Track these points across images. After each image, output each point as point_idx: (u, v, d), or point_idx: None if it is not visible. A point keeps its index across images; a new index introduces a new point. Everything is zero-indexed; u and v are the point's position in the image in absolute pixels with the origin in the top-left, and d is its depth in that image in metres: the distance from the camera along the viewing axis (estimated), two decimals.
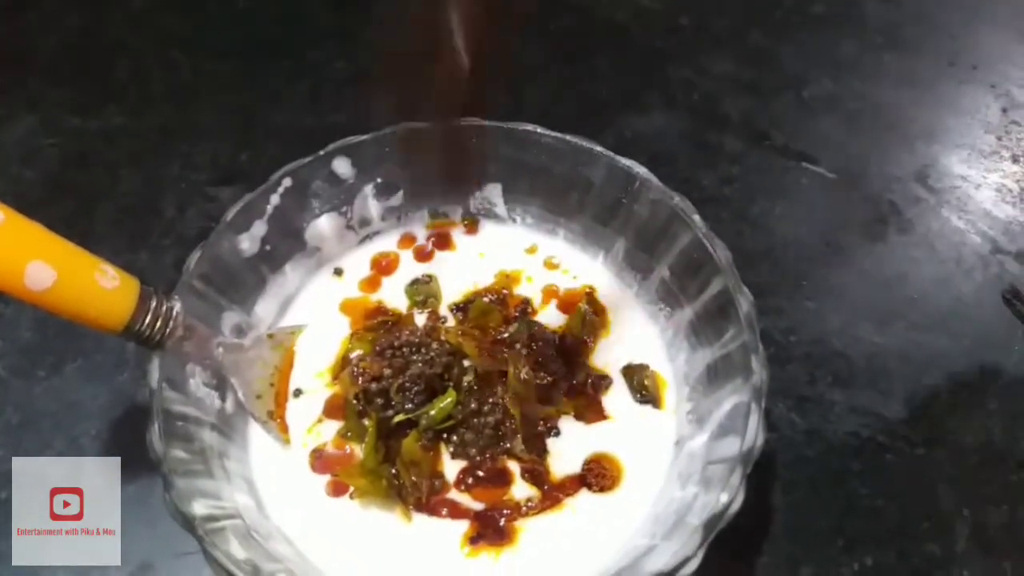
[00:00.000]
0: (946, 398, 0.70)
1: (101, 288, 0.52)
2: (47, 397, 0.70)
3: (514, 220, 0.72)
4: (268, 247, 0.64)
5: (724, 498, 0.49)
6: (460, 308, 0.68)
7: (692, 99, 0.93)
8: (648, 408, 0.63)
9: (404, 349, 0.62)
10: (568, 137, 0.65)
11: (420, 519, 0.57)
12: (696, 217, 0.61)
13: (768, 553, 0.62)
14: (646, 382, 0.63)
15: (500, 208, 0.71)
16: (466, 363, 0.61)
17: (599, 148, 0.65)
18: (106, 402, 0.70)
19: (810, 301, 0.76)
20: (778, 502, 0.64)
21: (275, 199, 0.64)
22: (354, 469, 0.58)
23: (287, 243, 0.66)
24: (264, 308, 0.66)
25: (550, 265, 0.71)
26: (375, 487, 0.57)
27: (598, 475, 0.59)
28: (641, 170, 0.64)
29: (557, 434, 0.61)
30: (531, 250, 0.71)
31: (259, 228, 0.64)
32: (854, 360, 0.72)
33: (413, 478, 0.57)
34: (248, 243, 0.63)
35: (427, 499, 0.58)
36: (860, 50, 0.99)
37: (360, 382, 0.61)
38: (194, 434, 0.55)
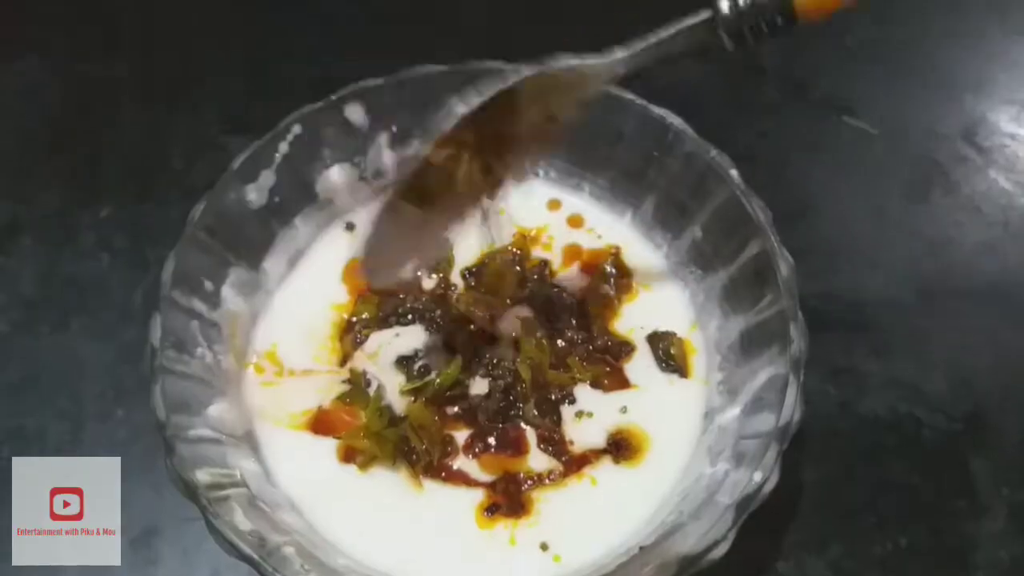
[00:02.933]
0: (988, 372, 0.67)
1: None
2: (50, 353, 0.68)
3: (537, 174, 0.68)
4: (277, 199, 0.61)
5: (758, 477, 0.46)
6: (473, 272, 0.65)
7: None
8: (675, 377, 0.59)
9: (409, 316, 0.59)
10: None
11: (433, 490, 0.55)
12: (734, 172, 0.57)
13: (796, 530, 0.60)
14: (672, 350, 0.60)
15: None
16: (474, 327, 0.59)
17: (630, 96, 0.60)
18: (111, 359, 0.68)
19: (848, 266, 0.72)
20: (809, 477, 0.62)
21: (284, 147, 0.60)
22: (358, 431, 0.56)
23: (297, 195, 0.63)
24: (273, 264, 0.63)
25: (574, 222, 0.67)
26: (382, 450, 0.55)
27: (621, 446, 0.56)
28: (675, 120, 0.59)
29: (572, 402, 0.58)
30: (553, 205, 0.68)
31: (267, 178, 0.60)
32: (893, 329, 0.69)
33: (424, 444, 0.55)
34: (256, 194, 0.60)
35: (437, 462, 0.55)
36: None
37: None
38: (199, 397, 0.53)
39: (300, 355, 0.61)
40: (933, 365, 0.67)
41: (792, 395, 0.48)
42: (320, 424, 0.58)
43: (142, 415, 0.59)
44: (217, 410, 0.53)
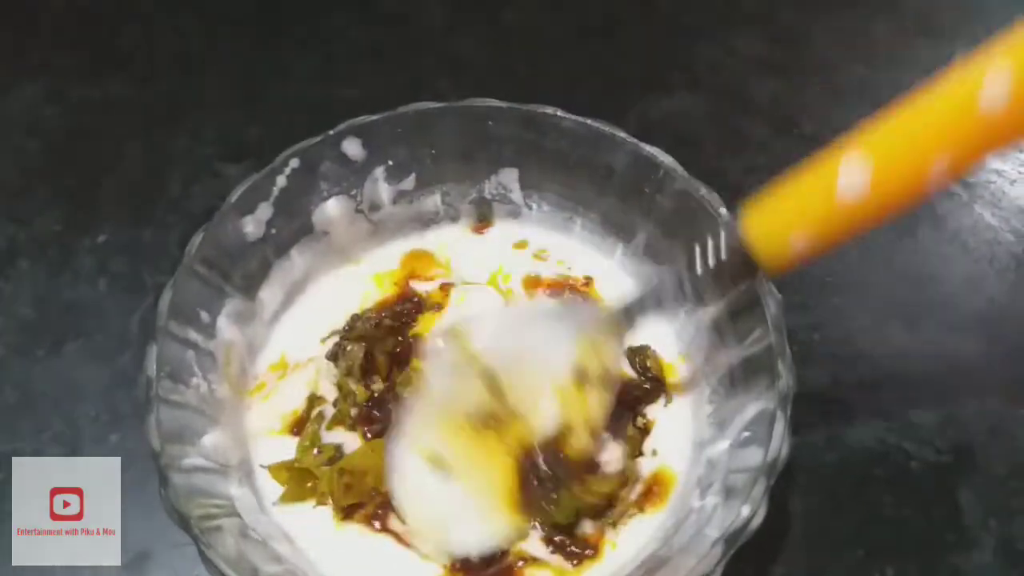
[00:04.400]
0: (975, 405, 0.68)
1: None
2: (46, 377, 0.69)
3: (530, 208, 0.69)
4: (274, 230, 0.62)
5: (746, 511, 0.47)
6: None
7: (719, 81, 0.89)
8: (667, 409, 0.60)
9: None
10: (589, 121, 0.62)
11: None
12: (723, 211, 0.58)
13: (784, 562, 0.60)
14: (648, 363, 0.61)
15: (516, 194, 0.68)
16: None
17: (622, 134, 0.61)
18: (107, 384, 0.68)
19: (836, 299, 0.73)
20: (796, 508, 0.62)
21: (282, 180, 0.61)
22: (283, 464, 0.56)
23: (294, 227, 0.63)
24: (269, 294, 0.63)
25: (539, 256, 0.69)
26: (298, 490, 0.55)
27: (651, 495, 0.57)
28: (666, 159, 0.60)
29: None
30: (520, 244, 0.69)
31: (264, 211, 0.61)
32: (880, 362, 0.69)
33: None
34: (253, 226, 0.60)
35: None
36: (893, 35, 0.95)
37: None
38: (194, 427, 0.53)
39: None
40: (920, 398, 0.67)
41: (780, 430, 0.49)
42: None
43: (136, 440, 0.59)
44: (211, 440, 0.53)
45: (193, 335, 0.56)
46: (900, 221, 0.79)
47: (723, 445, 0.54)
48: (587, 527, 0.54)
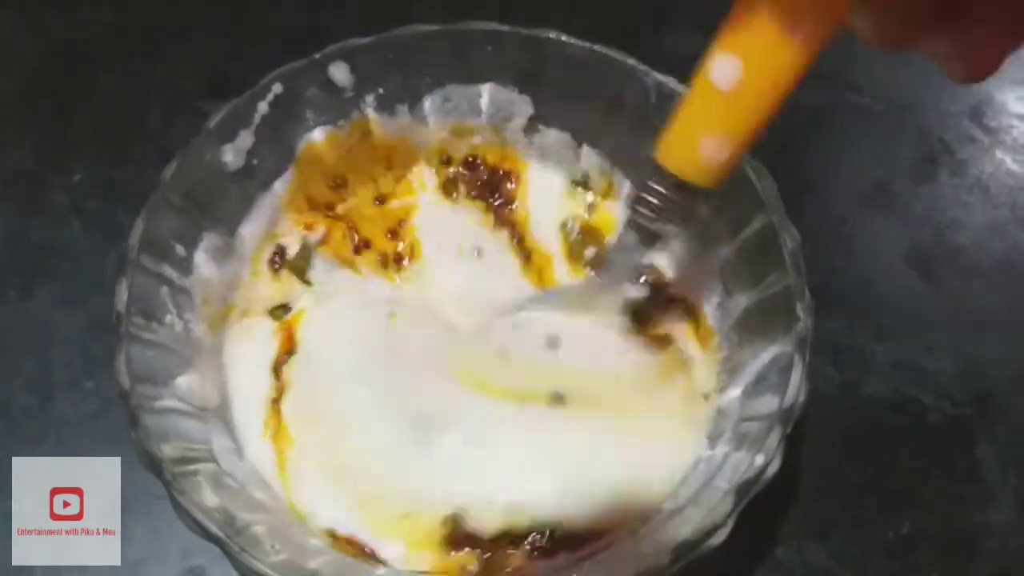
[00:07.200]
0: (995, 356, 0.65)
1: None
2: (17, 320, 0.65)
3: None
4: (255, 161, 0.57)
5: (760, 460, 0.43)
6: None
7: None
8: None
9: None
10: (597, 47, 0.57)
11: None
12: None
13: (796, 516, 0.58)
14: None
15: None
16: None
17: (632, 61, 0.57)
18: (81, 327, 0.65)
19: (852, 244, 0.70)
20: (809, 461, 0.59)
21: (263, 107, 0.56)
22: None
23: (277, 158, 0.59)
24: (249, 230, 0.59)
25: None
26: None
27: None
28: (679, 88, 0.56)
29: None
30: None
31: (246, 139, 0.56)
32: (897, 310, 0.66)
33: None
34: (233, 155, 0.56)
35: None
36: None
37: None
38: (168, 367, 0.49)
39: None
40: (939, 348, 0.64)
41: (797, 375, 0.46)
42: None
43: (112, 387, 0.56)
44: (187, 381, 0.50)
45: (168, 270, 0.52)
46: (919, 166, 0.75)
47: (734, 393, 0.51)
48: None
